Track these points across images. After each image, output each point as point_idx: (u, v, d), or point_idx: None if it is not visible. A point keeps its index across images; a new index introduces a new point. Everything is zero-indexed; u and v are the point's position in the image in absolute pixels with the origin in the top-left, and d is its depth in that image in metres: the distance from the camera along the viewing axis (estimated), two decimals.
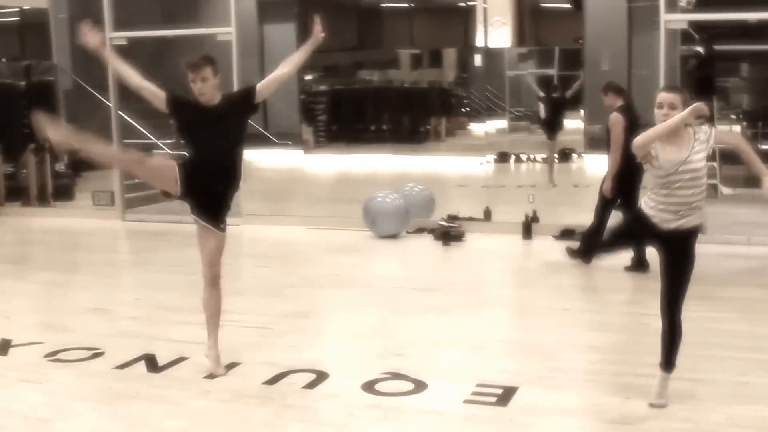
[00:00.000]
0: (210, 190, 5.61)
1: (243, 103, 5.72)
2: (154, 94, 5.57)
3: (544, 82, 18.57)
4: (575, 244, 9.14)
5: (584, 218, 8.99)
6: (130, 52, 13.58)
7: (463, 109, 21.88)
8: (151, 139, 13.93)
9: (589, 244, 8.76)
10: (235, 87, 12.21)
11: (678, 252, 4.99)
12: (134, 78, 5.61)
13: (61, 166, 13.44)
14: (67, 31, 16.81)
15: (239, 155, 5.68)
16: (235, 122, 5.64)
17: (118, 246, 11.40)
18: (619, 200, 8.52)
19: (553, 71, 20.24)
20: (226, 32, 11.97)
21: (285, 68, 5.81)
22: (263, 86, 5.72)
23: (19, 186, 13.05)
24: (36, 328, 7.10)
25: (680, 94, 4.91)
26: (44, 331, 6.95)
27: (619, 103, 8.63)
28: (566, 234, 10.11)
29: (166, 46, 16.26)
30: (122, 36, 12.35)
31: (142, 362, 6.07)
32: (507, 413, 5.12)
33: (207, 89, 5.51)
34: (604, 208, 8.64)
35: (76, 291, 8.42)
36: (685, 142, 4.87)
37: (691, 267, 5.02)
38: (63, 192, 13.24)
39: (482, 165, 16.30)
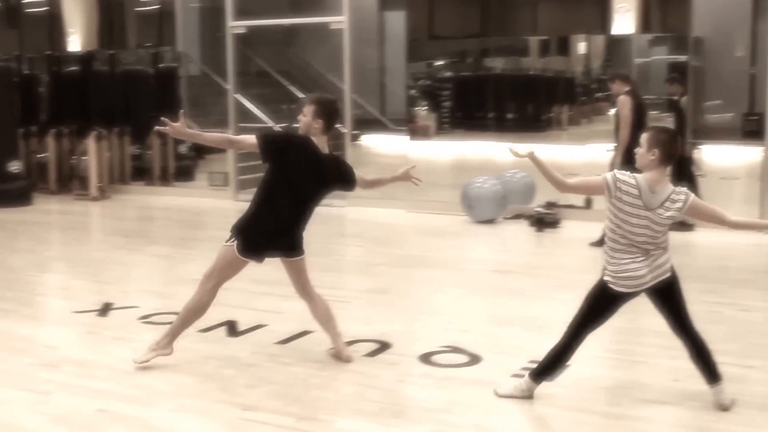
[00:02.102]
0: None
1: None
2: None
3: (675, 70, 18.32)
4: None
5: None
6: (254, 40, 14.22)
7: (586, 97, 21.78)
8: (267, 123, 14.55)
9: None
10: (346, 77, 12.63)
11: None
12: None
13: (183, 149, 14.16)
14: (197, 19, 17.66)
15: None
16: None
17: (227, 224, 11.87)
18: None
19: (685, 58, 19.91)
20: (339, 21, 12.34)
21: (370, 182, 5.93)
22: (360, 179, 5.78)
23: (144, 166, 13.85)
24: (137, 294, 7.76)
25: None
26: (143, 297, 7.60)
27: (626, 89, 9.33)
28: None
29: (288, 33, 16.88)
30: (240, 25, 12.93)
31: (224, 327, 6.60)
32: (548, 386, 5.37)
33: (301, 123, 5.67)
34: None
35: (181, 263, 9.08)
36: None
37: None
38: (184, 173, 13.98)
39: (608, 152, 16.22)
